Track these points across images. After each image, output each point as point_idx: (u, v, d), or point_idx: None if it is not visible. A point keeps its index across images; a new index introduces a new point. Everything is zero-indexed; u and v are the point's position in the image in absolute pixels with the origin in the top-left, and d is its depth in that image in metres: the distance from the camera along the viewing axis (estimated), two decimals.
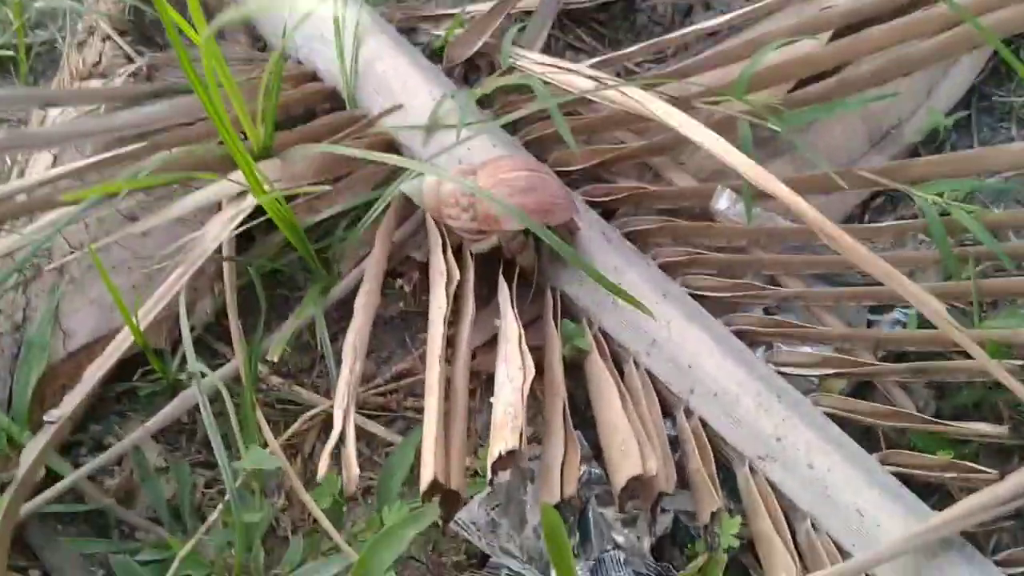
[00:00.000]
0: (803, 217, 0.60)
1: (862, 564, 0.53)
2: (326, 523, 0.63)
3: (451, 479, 0.58)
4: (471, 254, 0.74)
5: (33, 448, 0.65)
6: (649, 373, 0.68)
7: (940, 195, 0.66)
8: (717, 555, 0.60)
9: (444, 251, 0.73)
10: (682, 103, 0.73)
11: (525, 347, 0.66)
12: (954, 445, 0.65)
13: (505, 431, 0.58)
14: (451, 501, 0.59)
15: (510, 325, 0.68)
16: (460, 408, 0.64)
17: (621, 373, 0.68)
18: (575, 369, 0.71)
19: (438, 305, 0.70)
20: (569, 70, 0.79)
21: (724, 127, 0.73)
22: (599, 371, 0.66)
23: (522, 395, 0.61)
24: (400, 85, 0.83)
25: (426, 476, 0.56)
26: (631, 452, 0.58)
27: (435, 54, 0.91)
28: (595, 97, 0.76)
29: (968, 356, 0.57)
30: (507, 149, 0.79)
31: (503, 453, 0.57)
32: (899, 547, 0.54)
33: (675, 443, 0.67)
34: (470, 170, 0.71)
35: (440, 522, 0.67)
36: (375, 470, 0.70)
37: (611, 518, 0.66)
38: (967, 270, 0.67)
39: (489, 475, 0.57)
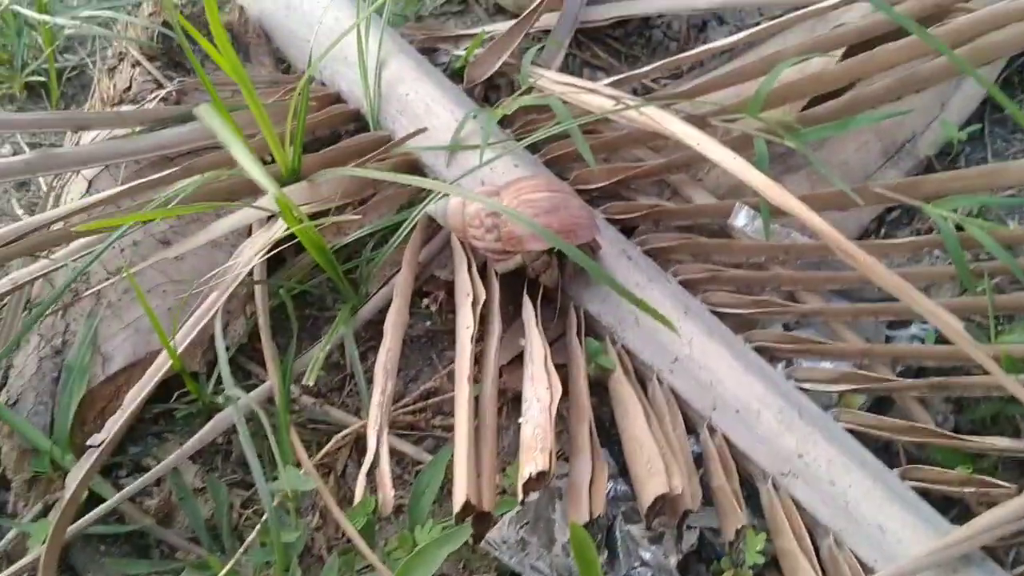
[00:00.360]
0: (819, 234, 0.61)
1: None
2: (360, 542, 0.65)
3: (483, 500, 0.59)
4: (496, 273, 0.76)
5: (78, 472, 0.66)
6: (672, 390, 0.69)
7: (955, 211, 0.67)
8: (742, 572, 0.61)
9: (469, 270, 0.74)
10: (698, 121, 0.74)
11: (551, 366, 0.67)
12: (973, 459, 0.66)
13: (535, 452, 0.59)
14: (483, 521, 0.60)
15: (536, 344, 0.69)
16: (489, 428, 0.65)
17: (644, 390, 0.69)
18: (599, 387, 0.72)
19: (465, 325, 0.71)
20: (588, 89, 0.81)
21: (740, 144, 0.74)
22: (623, 389, 0.68)
23: (550, 415, 0.62)
24: (423, 107, 0.85)
25: (459, 498, 0.57)
26: (657, 470, 0.59)
27: (456, 74, 0.92)
28: (614, 116, 0.77)
29: (986, 371, 0.58)
30: (529, 168, 0.80)
31: (533, 475, 0.58)
32: (920, 563, 0.55)
33: (699, 460, 0.68)
34: (493, 191, 0.72)
35: (471, 540, 0.69)
36: (406, 488, 0.72)
37: (638, 535, 0.67)
38: (982, 284, 0.68)
39: (520, 496, 0.58)
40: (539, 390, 0.65)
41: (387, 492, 0.59)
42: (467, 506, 0.57)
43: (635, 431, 0.64)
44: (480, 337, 0.76)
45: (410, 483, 0.72)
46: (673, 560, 0.66)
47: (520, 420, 0.65)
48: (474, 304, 0.71)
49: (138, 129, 0.85)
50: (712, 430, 0.67)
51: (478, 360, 0.76)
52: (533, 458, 0.59)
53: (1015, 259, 0.65)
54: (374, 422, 0.62)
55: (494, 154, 0.79)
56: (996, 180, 0.65)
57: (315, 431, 0.74)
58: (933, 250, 0.74)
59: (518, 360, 0.73)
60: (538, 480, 0.59)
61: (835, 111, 0.71)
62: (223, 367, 0.68)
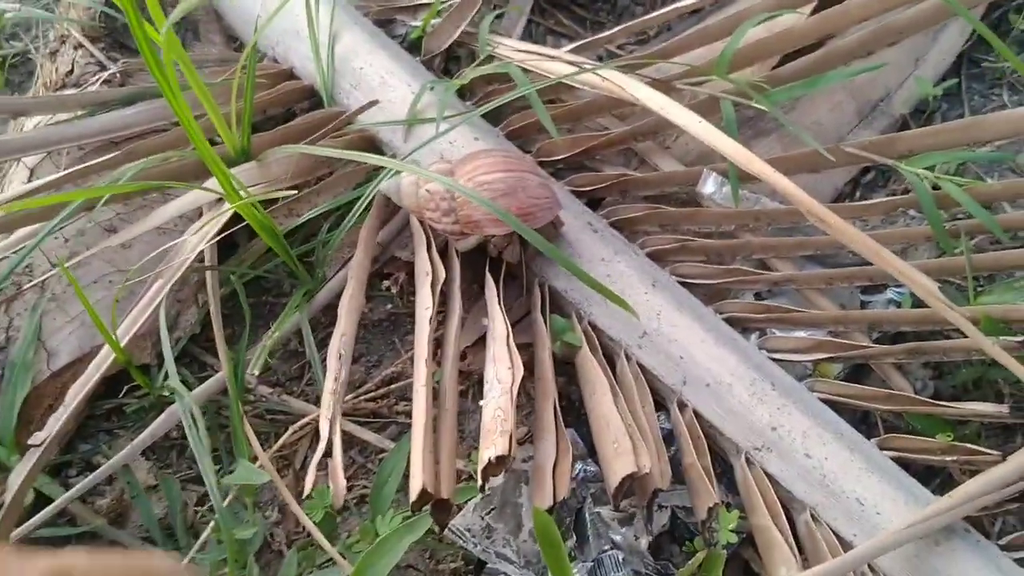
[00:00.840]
0: (789, 197, 0.58)
1: (862, 556, 0.51)
2: (319, 536, 0.62)
3: (441, 487, 0.56)
4: (457, 252, 0.72)
5: (20, 472, 0.63)
6: (641, 366, 0.65)
7: (931, 168, 0.64)
8: (716, 551, 0.58)
9: (429, 249, 0.71)
10: (663, 85, 0.71)
11: (513, 346, 0.64)
12: (954, 427, 0.63)
13: (494, 436, 0.56)
14: (442, 509, 0.57)
15: (498, 324, 0.66)
16: (449, 412, 0.62)
17: (613, 367, 0.66)
18: (568, 365, 0.69)
19: (424, 306, 0.68)
20: (548, 56, 0.77)
21: (708, 108, 0.70)
22: (590, 366, 0.64)
23: (511, 397, 0.59)
24: (378, 80, 0.81)
25: (415, 485, 0.54)
26: (624, 449, 0.56)
27: (413, 46, 0.88)
28: (574, 82, 0.73)
29: (965, 334, 0.55)
30: (489, 140, 0.76)
31: (493, 459, 0.55)
32: (900, 537, 0.52)
33: (670, 437, 0.65)
34: (447, 169, 0.68)
35: (436, 529, 0.66)
36: (369, 478, 0.69)
37: (608, 517, 0.64)
38: (960, 244, 0.64)
39: (480, 482, 0.55)
40: (500, 371, 0.62)
41: (339, 484, 0.56)
42: (423, 494, 0.54)
43: (602, 410, 0.61)
44: (442, 318, 0.73)
45: (373, 472, 0.69)
46: (644, 541, 0.63)
47: (481, 403, 0.62)
48: (433, 284, 0.68)
49: (81, 113, 0.81)
50: (682, 406, 0.64)
51: (440, 342, 0.73)
52: (493, 442, 0.56)
53: (993, 216, 0.62)
54: (326, 411, 0.59)
55: (452, 127, 0.76)
56: (973, 135, 0.62)
57: (274, 422, 0.71)
58: (909, 211, 0.70)
59: (483, 341, 0.70)
60: (498, 464, 0.55)
61: (805, 69, 0.68)
62: (168, 359, 0.64)
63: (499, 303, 0.68)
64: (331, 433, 0.58)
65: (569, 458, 0.57)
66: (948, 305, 0.56)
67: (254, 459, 0.65)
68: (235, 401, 0.64)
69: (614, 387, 0.62)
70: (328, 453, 0.57)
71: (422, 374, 0.62)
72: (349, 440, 0.69)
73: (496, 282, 0.70)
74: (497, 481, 0.64)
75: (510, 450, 0.55)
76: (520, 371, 0.61)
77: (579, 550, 0.63)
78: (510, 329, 0.66)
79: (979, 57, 0.84)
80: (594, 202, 0.76)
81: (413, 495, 0.54)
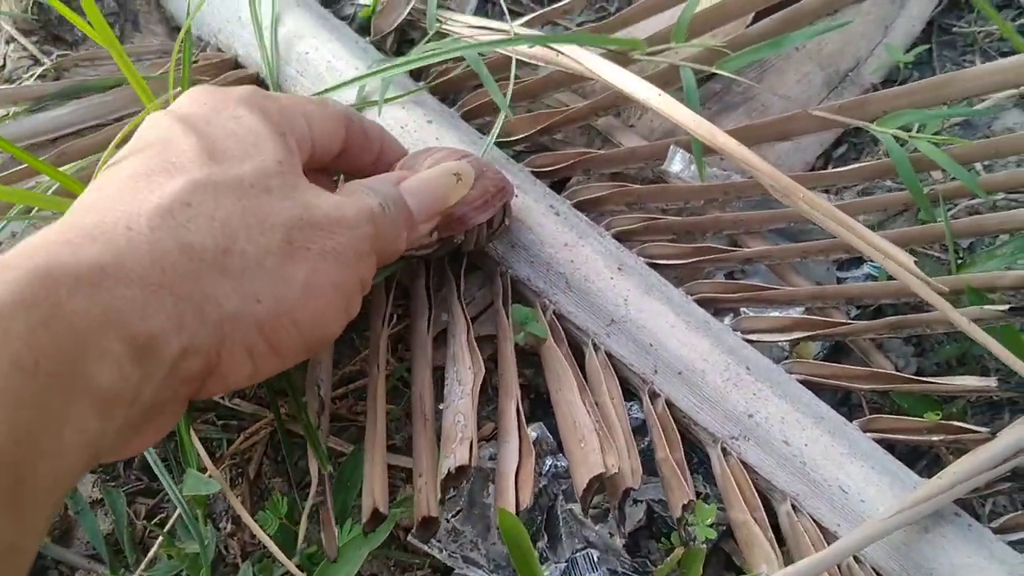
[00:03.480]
0: (752, 169, 0.53)
1: (848, 547, 0.46)
2: (275, 549, 0.56)
3: (430, 505, 0.50)
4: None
5: None
6: (609, 355, 0.60)
7: (907, 129, 0.59)
8: (695, 547, 0.53)
9: None
10: (620, 57, 0.65)
11: (475, 345, 0.58)
12: (940, 404, 0.58)
13: (454, 444, 0.50)
14: (428, 527, 0.51)
15: (458, 320, 0.60)
16: (428, 422, 0.56)
17: (580, 357, 0.61)
18: (535, 355, 0.64)
19: (377, 306, 0.62)
20: (501, 31, 0.71)
21: (669, 79, 0.65)
22: (556, 358, 0.59)
23: (472, 400, 0.53)
24: (324, 65, 0.74)
25: (367, 506, 0.48)
26: (592, 447, 0.51)
27: (363, 27, 0.82)
28: (530, 58, 0.67)
29: (953, 304, 0.51)
30: (443, 123, 0.70)
31: (452, 470, 0.49)
32: (888, 525, 0.47)
33: (643, 427, 0.60)
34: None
35: (400, 536, 0.60)
36: (329, 483, 0.63)
37: (580, 514, 0.59)
38: (939, 211, 0.60)
39: (438, 495, 0.50)
40: (461, 372, 0.56)
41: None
42: (376, 515, 0.48)
43: (569, 407, 0.55)
44: (405, 312, 0.68)
45: (333, 476, 0.64)
46: (619, 539, 0.58)
47: (440, 406, 0.57)
48: (387, 289, 0.63)
49: (15, 111, 0.75)
50: (654, 395, 0.58)
51: (402, 338, 0.68)
52: (453, 450, 0.50)
53: (973, 177, 0.57)
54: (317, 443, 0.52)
55: (404, 112, 0.70)
56: (947, 92, 0.56)
57: (226, 427, 0.65)
58: (885, 180, 0.65)
59: (442, 335, 0.64)
60: (458, 475, 0.50)
61: (769, 32, 0.62)
62: None
63: (459, 299, 0.63)
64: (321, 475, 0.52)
65: (531, 464, 0.51)
66: (925, 280, 0.51)
67: (204, 469, 0.59)
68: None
69: (581, 382, 0.57)
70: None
71: (377, 386, 0.56)
72: (306, 445, 0.64)
73: (456, 277, 0.65)
74: (452, 493, 0.59)
75: (470, 459, 0.50)
76: (482, 371, 0.56)
77: (551, 550, 0.58)
78: (471, 326, 0.60)
79: (949, 23, 0.79)
80: (556, 185, 0.71)
81: (365, 516, 0.49)
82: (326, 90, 0.70)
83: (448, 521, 0.58)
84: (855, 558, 0.50)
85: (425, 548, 0.57)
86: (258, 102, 0.43)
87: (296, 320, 0.38)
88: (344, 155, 0.51)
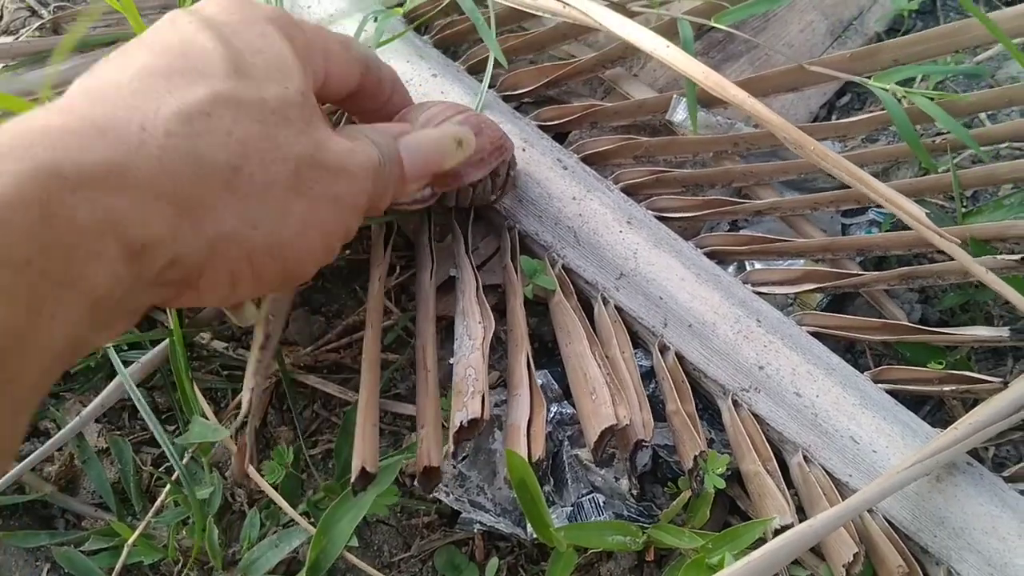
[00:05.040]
0: (762, 121, 0.48)
1: (866, 500, 0.42)
2: (277, 498, 0.52)
3: (431, 455, 0.46)
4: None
5: None
6: (619, 309, 0.56)
7: (909, 81, 0.54)
8: (704, 494, 0.49)
9: None
10: (621, 8, 0.60)
11: (484, 299, 0.54)
12: (943, 353, 0.55)
13: (466, 398, 0.46)
14: (431, 477, 0.47)
15: (467, 275, 0.56)
16: (431, 373, 0.51)
17: (589, 311, 0.57)
18: (539, 304, 0.60)
19: (376, 260, 0.58)
20: None
21: (671, 31, 0.60)
22: (565, 312, 0.55)
23: (483, 353, 0.49)
24: (327, 18, 0.69)
25: (355, 465, 0.44)
26: (603, 400, 0.47)
27: None
28: (535, 10, 0.62)
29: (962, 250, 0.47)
30: (448, 76, 0.65)
31: (465, 423, 0.45)
32: (905, 477, 0.43)
33: (650, 375, 0.56)
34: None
35: (406, 482, 0.57)
36: (333, 432, 0.59)
37: (586, 459, 0.55)
38: (944, 161, 0.56)
39: (451, 448, 0.46)
40: (470, 325, 0.52)
41: (242, 464, 0.46)
42: (364, 474, 0.44)
43: (579, 359, 0.52)
44: (407, 265, 0.63)
45: (338, 425, 0.60)
46: (625, 483, 0.55)
47: (451, 361, 0.52)
48: (386, 239, 0.58)
49: (13, 63, 0.69)
50: (664, 349, 0.55)
51: (404, 288, 0.63)
52: (465, 404, 0.47)
53: (967, 130, 0.52)
54: (249, 377, 0.48)
55: (409, 65, 0.65)
56: (959, 40, 0.52)
57: (230, 378, 0.61)
58: (890, 127, 0.61)
59: (448, 285, 0.60)
60: (471, 428, 0.46)
61: None
62: None
63: (467, 253, 0.58)
64: (249, 404, 0.47)
65: (543, 415, 0.48)
66: (939, 233, 0.47)
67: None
68: (180, 355, 0.53)
69: (591, 334, 0.53)
70: (241, 429, 0.48)
71: (371, 343, 0.52)
72: (312, 394, 0.60)
73: (464, 231, 0.60)
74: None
75: (483, 413, 0.46)
76: (492, 325, 0.52)
77: (557, 495, 0.55)
78: (479, 281, 0.56)
79: None
80: (560, 137, 0.66)
81: (354, 475, 0.44)
82: None
83: (455, 467, 0.54)
84: (868, 509, 0.47)
85: (432, 492, 0.53)
86: (286, 26, 0.39)
87: (284, 255, 0.36)
88: (352, 98, 0.47)
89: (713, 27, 0.57)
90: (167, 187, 0.30)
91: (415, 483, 0.53)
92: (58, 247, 0.26)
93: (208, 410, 0.53)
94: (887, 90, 0.53)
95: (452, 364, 0.52)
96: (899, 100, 0.52)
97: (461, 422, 0.46)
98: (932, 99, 0.53)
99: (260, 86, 0.35)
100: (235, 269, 0.34)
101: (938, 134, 0.58)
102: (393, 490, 0.52)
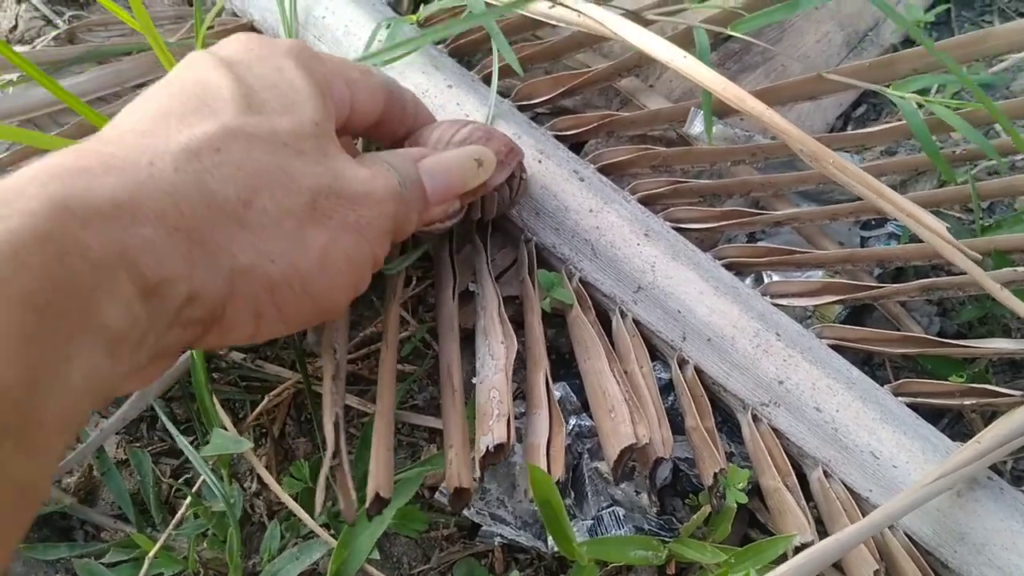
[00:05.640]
0: (779, 133, 0.47)
1: (888, 516, 0.42)
2: (299, 511, 0.52)
3: (461, 477, 0.45)
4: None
5: None
6: (637, 323, 0.55)
7: (926, 91, 0.54)
8: (725, 509, 0.49)
9: None
10: (635, 17, 0.59)
11: (506, 317, 0.53)
12: (963, 365, 0.54)
13: (491, 421, 0.46)
14: (461, 498, 0.46)
15: (488, 292, 0.55)
16: (457, 393, 0.50)
17: (607, 325, 0.56)
18: (557, 316, 0.59)
19: (391, 282, 0.57)
20: None
21: (686, 41, 0.59)
22: (583, 327, 0.54)
23: (507, 375, 0.48)
24: (342, 29, 0.68)
25: (370, 489, 0.43)
26: (622, 418, 0.46)
27: None
28: (549, 18, 0.62)
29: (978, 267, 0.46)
30: (463, 87, 0.65)
31: (491, 448, 0.45)
32: (927, 493, 0.43)
33: (668, 387, 0.56)
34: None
35: (425, 495, 0.56)
36: (352, 443, 0.59)
37: (606, 472, 0.55)
38: (961, 174, 0.55)
39: (478, 472, 0.46)
40: (493, 346, 0.52)
41: (349, 499, 0.44)
42: (378, 499, 0.43)
43: (598, 376, 0.51)
44: (423, 276, 0.63)
45: (356, 436, 0.59)
46: (646, 497, 0.54)
47: (474, 380, 0.52)
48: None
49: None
50: (683, 363, 0.54)
51: (421, 299, 0.63)
52: (490, 428, 0.46)
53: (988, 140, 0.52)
54: (329, 412, 0.46)
55: (425, 77, 0.64)
56: (977, 50, 0.51)
57: (249, 389, 0.60)
58: (910, 139, 0.60)
59: (465, 295, 0.59)
60: (497, 453, 0.45)
61: None
62: None
63: (488, 270, 0.57)
64: (337, 440, 0.46)
65: (563, 435, 0.47)
66: (957, 247, 0.46)
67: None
68: (200, 369, 0.53)
69: (609, 350, 0.52)
70: (334, 470, 0.46)
71: (387, 363, 0.51)
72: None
73: (484, 246, 0.59)
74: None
75: (509, 437, 0.45)
76: (514, 345, 0.51)
77: (577, 507, 0.54)
78: (501, 299, 0.55)
79: None
80: (576, 148, 0.65)
81: (368, 500, 0.43)
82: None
83: (475, 480, 0.54)
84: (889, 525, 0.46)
85: (462, 512, 0.52)
86: (305, 59, 0.39)
87: (307, 287, 0.35)
88: (380, 125, 0.47)
89: (729, 37, 0.57)
90: (178, 222, 0.30)
91: (440, 498, 0.53)
92: (75, 284, 0.26)
93: (228, 421, 0.52)
94: (905, 99, 0.52)
95: (475, 383, 0.51)
96: (918, 109, 0.52)
97: (487, 447, 0.45)
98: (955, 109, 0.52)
99: (272, 119, 0.35)
100: (257, 304, 0.34)
101: (955, 146, 0.58)
102: (421, 516, 0.52)
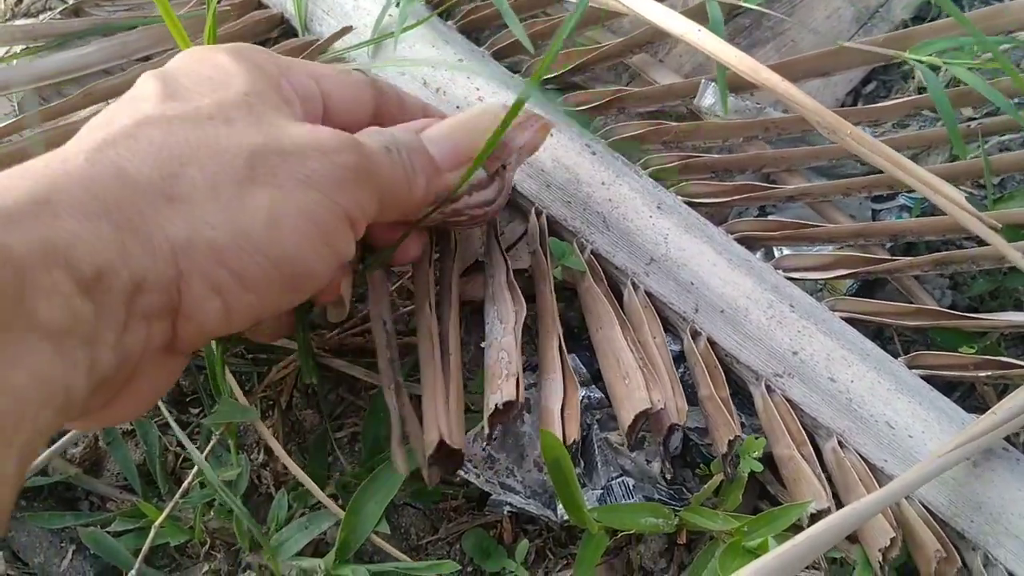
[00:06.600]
0: (797, 106, 0.46)
1: (906, 485, 0.41)
2: (307, 481, 0.51)
3: (453, 437, 0.44)
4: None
5: None
6: (649, 294, 0.54)
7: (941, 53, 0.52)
8: (739, 476, 0.48)
9: None
10: None
11: (515, 283, 0.52)
12: (974, 338, 0.53)
13: (500, 380, 0.45)
14: (454, 460, 0.45)
15: (496, 259, 0.54)
16: (453, 356, 0.49)
17: (619, 297, 0.55)
18: (567, 289, 0.58)
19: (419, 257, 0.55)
20: None
21: (698, 16, 0.58)
22: (595, 298, 0.53)
23: (516, 337, 0.47)
24: (351, 4, 0.67)
25: (431, 439, 0.42)
26: (637, 384, 0.45)
27: None
28: None
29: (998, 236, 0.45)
30: (474, 61, 0.64)
31: (500, 406, 0.44)
32: (944, 462, 0.42)
33: (679, 358, 0.54)
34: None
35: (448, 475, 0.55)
36: (359, 415, 0.58)
37: (616, 442, 0.54)
38: (972, 149, 0.54)
39: (487, 430, 0.45)
40: (502, 310, 0.51)
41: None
42: (442, 446, 0.43)
43: (611, 344, 0.50)
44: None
45: (363, 408, 0.58)
46: (656, 466, 0.53)
47: (483, 344, 0.51)
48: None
49: (34, 45, 0.67)
50: (696, 334, 0.53)
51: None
52: (499, 387, 0.45)
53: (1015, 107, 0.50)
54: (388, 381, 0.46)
55: (435, 51, 0.63)
56: (997, 23, 0.50)
57: (256, 361, 0.59)
58: (923, 111, 0.59)
59: (474, 267, 0.58)
60: (506, 411, 0.44)
61: None
62: None
63: (496, 238, 0.56)
64: (400, 407, 0.45)
65: (577, 399, 0.46)
66: (978, 217, 0.45)
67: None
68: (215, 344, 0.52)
69: (622, 319, 0.51)
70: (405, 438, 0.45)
71: (426, 321, 0.50)
72: (338, 377, 0.58)
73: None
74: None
75: (518, 395, 0.44)
76: (523, 309, 0.50)
77: (587, 477, 0.53)
78: (509, 265, 0.54)
79: None
80: (587, 123, 0.64)
81: (430, 448, 0.43)
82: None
83: (484, 449, 0.53)
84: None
85: (461, 474, 0.51)
86: (246, 52, 0.38)
87: (262, 249, 0.33)
88: (379, 121, 0.45)
89: (740, 10, 0.56)
90: (98, 209, 0.29)
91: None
92: (3, 287, 0.25)
93: (239, 393, 0.51)
94: (924, 62, 0.51)
95: (484, 348, 0.50)
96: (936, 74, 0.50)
97: (496, 404, 0.44)
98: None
99: (194, 99, 0.35)
100: (212, 277, 0.32)
101: (969, 119, 0.57)
102: (436, 487, 0.50)
